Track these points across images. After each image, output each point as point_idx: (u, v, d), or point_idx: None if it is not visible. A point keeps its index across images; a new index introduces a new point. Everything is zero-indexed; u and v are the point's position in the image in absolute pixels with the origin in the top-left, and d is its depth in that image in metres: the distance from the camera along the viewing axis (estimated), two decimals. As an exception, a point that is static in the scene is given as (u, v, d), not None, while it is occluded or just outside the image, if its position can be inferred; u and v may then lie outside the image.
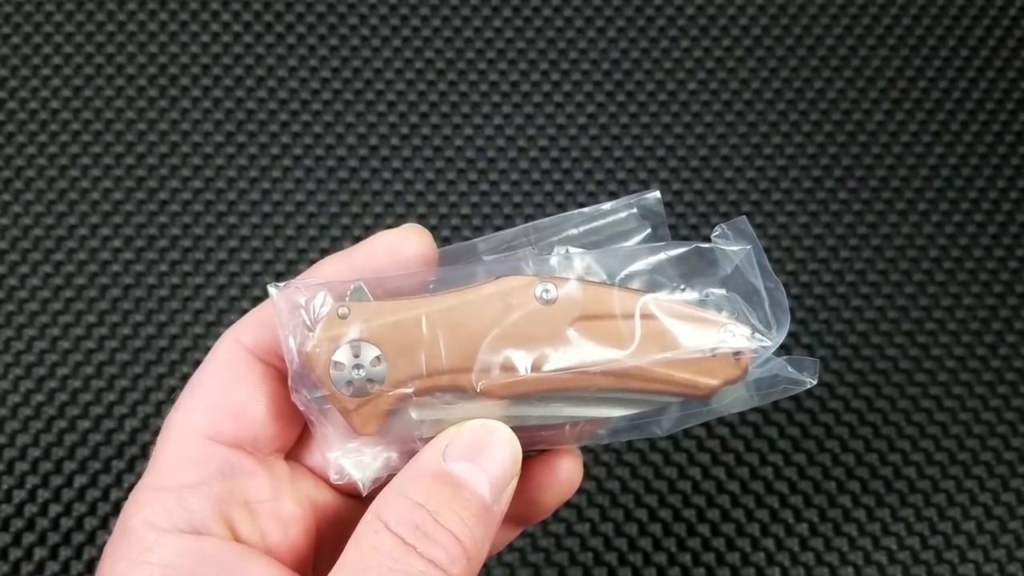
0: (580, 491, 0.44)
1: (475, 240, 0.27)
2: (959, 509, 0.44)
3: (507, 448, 0.24)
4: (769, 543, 0.44)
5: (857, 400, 0.46)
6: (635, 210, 0.27)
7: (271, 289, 0.25)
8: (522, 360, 0.25)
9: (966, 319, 0.48)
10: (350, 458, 0.25)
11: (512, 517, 0.28)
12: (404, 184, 0.49)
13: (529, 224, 0.27)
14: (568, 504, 0.44)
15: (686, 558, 0.43)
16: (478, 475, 0.24)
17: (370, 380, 0.25)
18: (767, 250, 0.48)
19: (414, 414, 0.25)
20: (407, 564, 0.22)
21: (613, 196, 0.49)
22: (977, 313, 0.48)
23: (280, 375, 0.26)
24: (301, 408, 0.25)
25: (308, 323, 0.25)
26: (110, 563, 0.24)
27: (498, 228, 0.48)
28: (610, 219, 0.27)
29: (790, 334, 0.47)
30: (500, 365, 0.25)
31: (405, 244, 0.26)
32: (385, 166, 0.49)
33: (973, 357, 0.47)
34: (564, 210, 0.48)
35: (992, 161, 0.51)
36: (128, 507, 0.25)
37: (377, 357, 0.25)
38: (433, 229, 0.48)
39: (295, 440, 0.28)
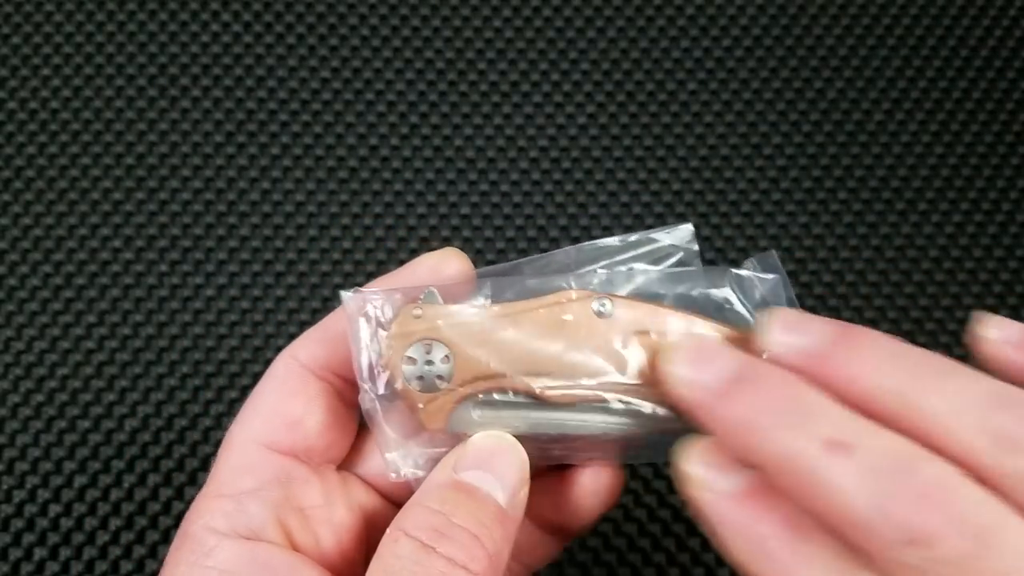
0: (580, 491, 0.44)
1: (517, 261, 0.29)
2: (959, 509, 0.44)
3: (514, 455, 0.26)
4: (769, 543, 0.44)
5: (857, 400, 0.46)
6: (671, 241, 0.29)
7: (344, 294, 0.26)
8: (579, 368, 0.26)
9: (966, 319, 0.48)
10: (408, 459, 0.27)
11: (552, 527, 0.29)
12: (404, 184, 0.49)
13: (571, 247, 0.29)
14: (568, 504, 0.44)
15: (685, 558, 0.43)
16: (489, 480, 0.25)
17: (439, 377, 0.26)
18: (766, 250, 0.48)
19: (475, 414, 0.26)
20: (428, 565, 0.23)
21: (612, 195, 0.49)
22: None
23: (333, 390, 0.28)
24: (366, 407, 0.26)
25: (382, 322, 0.26)
26: (170, 568, 0.25)
27: (498, 229, 0.48)
28: (647, 248, 0.29)
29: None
30: (558, 371, 0.26)
31: (446, 264, 0.28)
32: (385, 166, 0.49)
33: (973, 357, 0.47)
34: (564, 210, 0.48)
35: (992, 161, 0.51)
36: (188, 515, 0.26)
37: (446, 355, 0.26)
38: (433, 229, 0.48)
39: (346, 453, 0.29)
